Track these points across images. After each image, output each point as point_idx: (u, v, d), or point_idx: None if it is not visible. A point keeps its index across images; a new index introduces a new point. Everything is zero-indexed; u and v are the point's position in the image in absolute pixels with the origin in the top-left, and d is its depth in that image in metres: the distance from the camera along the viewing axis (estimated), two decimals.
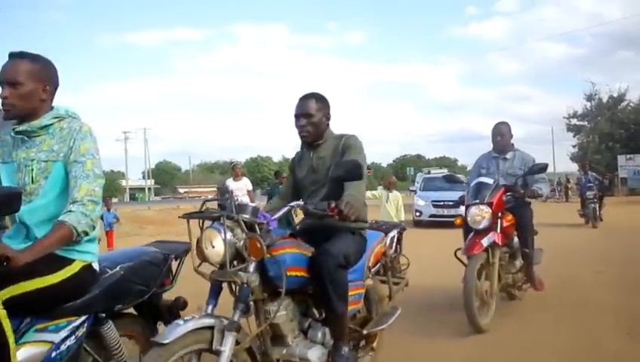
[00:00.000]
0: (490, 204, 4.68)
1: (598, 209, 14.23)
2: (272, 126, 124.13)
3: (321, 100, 2.99)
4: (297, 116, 2.96)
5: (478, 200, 4.75)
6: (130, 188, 67.54)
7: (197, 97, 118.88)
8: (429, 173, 22.32)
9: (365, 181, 2.76)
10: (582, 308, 5.20)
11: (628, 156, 30.32)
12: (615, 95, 43.01)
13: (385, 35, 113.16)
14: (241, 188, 9.67)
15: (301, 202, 2.72)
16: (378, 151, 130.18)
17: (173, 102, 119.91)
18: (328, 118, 3.01)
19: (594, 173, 15.49)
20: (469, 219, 4.73)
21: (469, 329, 4.39)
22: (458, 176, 17.28)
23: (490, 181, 4.92)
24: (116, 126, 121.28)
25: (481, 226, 4.63)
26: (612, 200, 30.49)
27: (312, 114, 2.93)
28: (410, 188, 23.67)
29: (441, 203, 15.10)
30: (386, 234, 3.50)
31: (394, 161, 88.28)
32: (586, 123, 44.15)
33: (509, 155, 5.31)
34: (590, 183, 14.46)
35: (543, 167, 4.91)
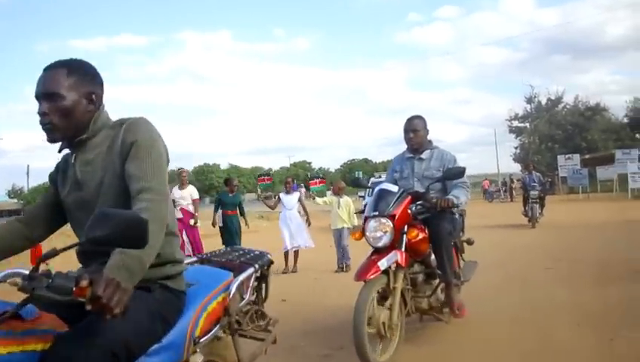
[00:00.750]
0: (392, 217, 3.87)
1: (539, 208, 14.26)
2: (219, 133, 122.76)
3: None
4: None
5: (377, 212, 3.93)
6: None
7: (142, 104, 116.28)
8: (379, 177, 20.64)
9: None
10: (534, 305, 5.24)
11: (567, 156, 31.38)
12: (553, 98, 44.82)
13: (331, 41, 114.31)
14: (185, 197, 9.50)
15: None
16: (326, 156, 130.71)
17: (119, 108, 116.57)
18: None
19: (538, 173, 15.28)
20: (366, 234, 3.95)
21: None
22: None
23: (394, 188, 4.08)
24: None
25: (381, 244, 3.85)
26: (553, 198, 31.55)
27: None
28: (359, 194, 22.76)
29: None
30: (238, 272, 2.36)
31: (342, 166, 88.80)
32: (526, 125, 45.75)
33: (425, 155, 4.43)
34: (534, 183, 14.41)
35: (460, 172, 4.12)
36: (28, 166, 74.80)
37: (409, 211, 4.00)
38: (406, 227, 3.96)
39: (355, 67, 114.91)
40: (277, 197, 9.58)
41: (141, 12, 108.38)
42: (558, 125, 42.89)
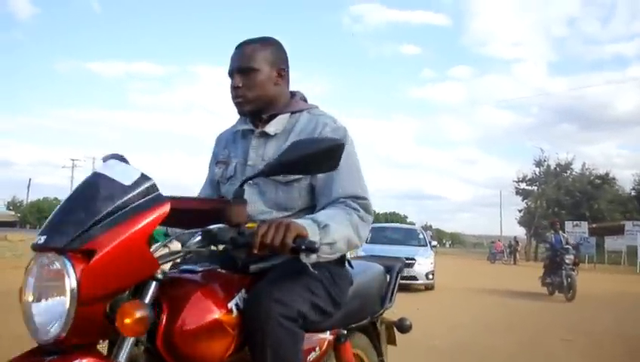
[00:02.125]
0: (82, 253, 1.24)
1: (574, 277, 11.13)
2: None
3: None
4: None
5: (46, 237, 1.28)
6: None
7: (152, 132, 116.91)
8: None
9: None
10: None
11: (575, 223, 30.85)
12: (562, 163, 44.50)
13: (343, 89, 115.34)
14: None
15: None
16: None
17: (128, 135, 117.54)
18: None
19: (565, 234, 12.85)
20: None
21: None
22: (414, 227, 15.73)
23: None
24: (67, 153, 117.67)
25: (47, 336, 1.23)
26: None
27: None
28: None
29: None
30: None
31: None
32: (534, 188, 45.31)
33: (274, 125, 1.89)
34: (567, 245, 11.65)
35: (335, 155, 1.51)
36: (30, 179, 74.76)
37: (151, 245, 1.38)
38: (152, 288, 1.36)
39: (364, 117, 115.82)
40: None
41: (159, 42, 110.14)
42: (566, 191, 42.40)
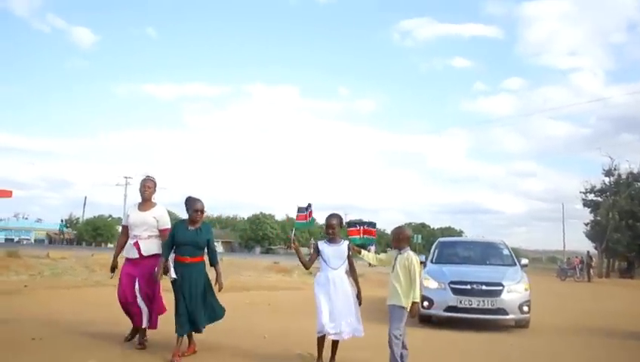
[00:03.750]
0: None
1: None
2: (276, 185, 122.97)
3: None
4: None
5: None
6: None
7: (204, 151, 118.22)
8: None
9: None
10: None
11: None
12: (635, 172, 41.40)
13: (394, 103, 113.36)
14: (147, 223, 6.19)
15: None
16: (381, 218, 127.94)
17: (181, 154, 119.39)
18: None
19: None
20: None
21: None
22: (495, 240, 11.42)
23: None
24: (121, 171, 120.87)
25: None
26: (638, 283, 28.22)
27: None
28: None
29: (468, 286, 8.73)
30: None
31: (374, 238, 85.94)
32: (604, 198, 42.31)
33: None
34: None
35: None
36: (85, 198, 76.16)
37: None
38: None
39: (416, 131, 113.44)
40: (314, 246, 5.94)
41: (211, 62, 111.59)
42: None
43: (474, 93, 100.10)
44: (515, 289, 8.76)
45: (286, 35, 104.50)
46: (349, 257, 5.68)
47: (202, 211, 5.87)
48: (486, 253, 10.69)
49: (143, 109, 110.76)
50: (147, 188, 6.27)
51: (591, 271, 30.22)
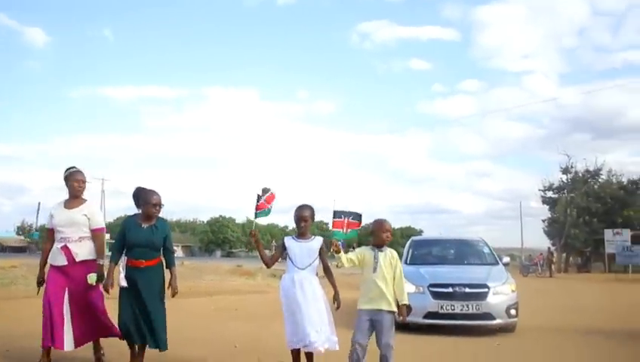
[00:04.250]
0: None
1: None
2: (236, 187, 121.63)
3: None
4: None
5: None
6: None
7: (163, 155, 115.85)
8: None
9: None
10: None
11: (615, 231, 28.57)
12: (591, 169, 42.25)
13: (353, 105, 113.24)
14: (77, 223, 5.11)
15: None
16: None
17: (138, 158, 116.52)
18: None
19: None
20: None
21: None
22: (474, 238, 10.44)
23: None
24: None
25: None
26: (598, 277, 28.72)
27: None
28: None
29: (450, 289, 7.93)
30: None
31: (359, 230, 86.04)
32: (562, 196, 43.05)
33: None
34: None
35: None
36: (39, 203, 73.38)
37: None
38: None
39: (375, 132, 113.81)
40: (280, 245, 5.09)
41: (169, 65, 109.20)
42: (597, 198, 40.11)
43: (432, 95, 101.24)
44: (501, 291, 7.96)
45: (244, 36, 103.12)
46: (321, 255, 4.83)
47: (160, 205, 5.06)
48: (464, 251, 9.91)
49: (99, 112, 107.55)
50: (81, 182, 5.25)
51: (552, 266, 30.62)
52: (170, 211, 75.87)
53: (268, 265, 5.16)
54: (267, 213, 5.27)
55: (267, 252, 6.09)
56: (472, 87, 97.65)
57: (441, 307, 7.81)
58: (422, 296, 7.86)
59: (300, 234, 4.92)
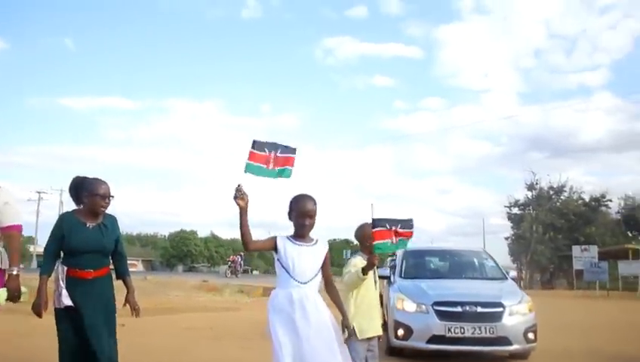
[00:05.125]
0: None
1: None
2: (198, 201, 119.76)
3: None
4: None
5: None
6: (38, 255, 60.87)
7: (123, 167, 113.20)
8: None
9: None
10: None
11: (583, 247, 28.79)
12: (555, 186, 42.86)
13: (317, 120, 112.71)
14: None
15: None
16: None
17: (97, 169, 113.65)
18: None
19: None
20: None
21: None
22: (477, 249, 9.53)
23: None
24: (34, 187, 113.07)
25: None
26: (566, 294, 28.78)
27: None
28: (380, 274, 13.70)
29: (459, 308, 6.73)
30: None
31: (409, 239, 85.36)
32: (525, 212, 43.48)
33: None
34: None
35: None
36: None
37: None
38: None
39: (339, 148, 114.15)
40: (271, 242, 3.48)
41: (131, 76, 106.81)
42: (560, 214, 40.67)
43: (395, 111, 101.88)
44: (517, 311, 6.75)
45: (208, 49, 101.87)
46: (325, 266, 3.47)
47: (109, 197, 3.92)
48: (466, 264, 8.66)
49: (58, 122, 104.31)
50: None
51: (521, 283, 30.59)
52: (131, 225, 73.75)
53: (248, 245, 3.37)
54: (270, 173, 3.58)
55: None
56: (434, 104, 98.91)
57: (449, 330, 6.54)
58: (425, 317, 6.72)
59: (300, 235, 3.46)
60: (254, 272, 57.74)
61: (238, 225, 3.25)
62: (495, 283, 7.80)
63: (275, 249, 3.39)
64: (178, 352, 7.10)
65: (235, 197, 3.27)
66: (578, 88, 70.49)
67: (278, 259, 3.38)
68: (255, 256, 70.89)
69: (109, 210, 3.98)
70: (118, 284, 4.00)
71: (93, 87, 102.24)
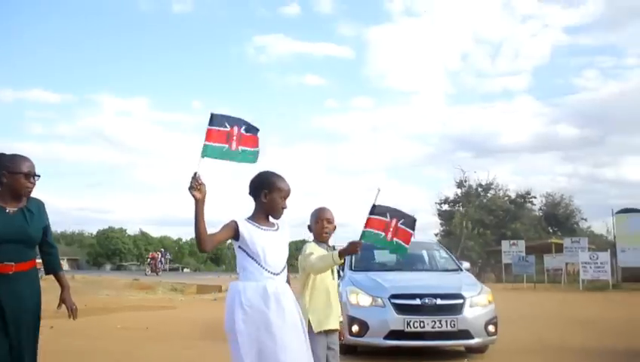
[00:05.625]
0: None
1: None
2: (126, 199, 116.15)
3: None
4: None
5: None
6: None
7: (48, 162, 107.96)
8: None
9: None
10: None
11: (512, 242, 30.04)
12: (483, 183, 44.34)
13: (248, 118, 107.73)
14: None
15: None
16: None
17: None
18: None
19: None
20: None
21: None
22: (429, 241, 9.25)
23: None
24: None
25: None
26: (493, 286, 29.79)
27: None
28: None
29: (418, 300, 6.41)
30: None
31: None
32: (456, 208, 44.77)
33: None
34: None
35: None
36: None
37: None
38: None
39: (270, 145, 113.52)
40: (230, 227, 2.94)
41: (55, 68, 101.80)
42: (489, 211, 42.14)
43: (326, 110, 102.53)
44: (478, 303, 6.53)
45: (137, 43, 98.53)
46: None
47: (34, 176, 3.31)
48: (418, 256, 8.22)
49: None
50: None
51: None
52: (57, 222, 70.24)
53: (204, 243, 2.81)
54: (242, 156, 3.14)
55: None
56: (365, 104, 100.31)
57: (408, 324, 6.23)
58: (382, 311, 6.36)
59: (259, 217, 3.05)
60: (185, 270, 56.35)
61: (193, 221, 2.77)
62: (451, 274, 7.57)
63: (237, 236, 2.91)
64: (109, 353, 6.64)
65: (191, 188, 2.78)
66: (502, 92, 73.61)
67: (241, 247, 2.93)
68: (186, 254, 69.56)
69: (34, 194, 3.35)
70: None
71: (17, 79, 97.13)
